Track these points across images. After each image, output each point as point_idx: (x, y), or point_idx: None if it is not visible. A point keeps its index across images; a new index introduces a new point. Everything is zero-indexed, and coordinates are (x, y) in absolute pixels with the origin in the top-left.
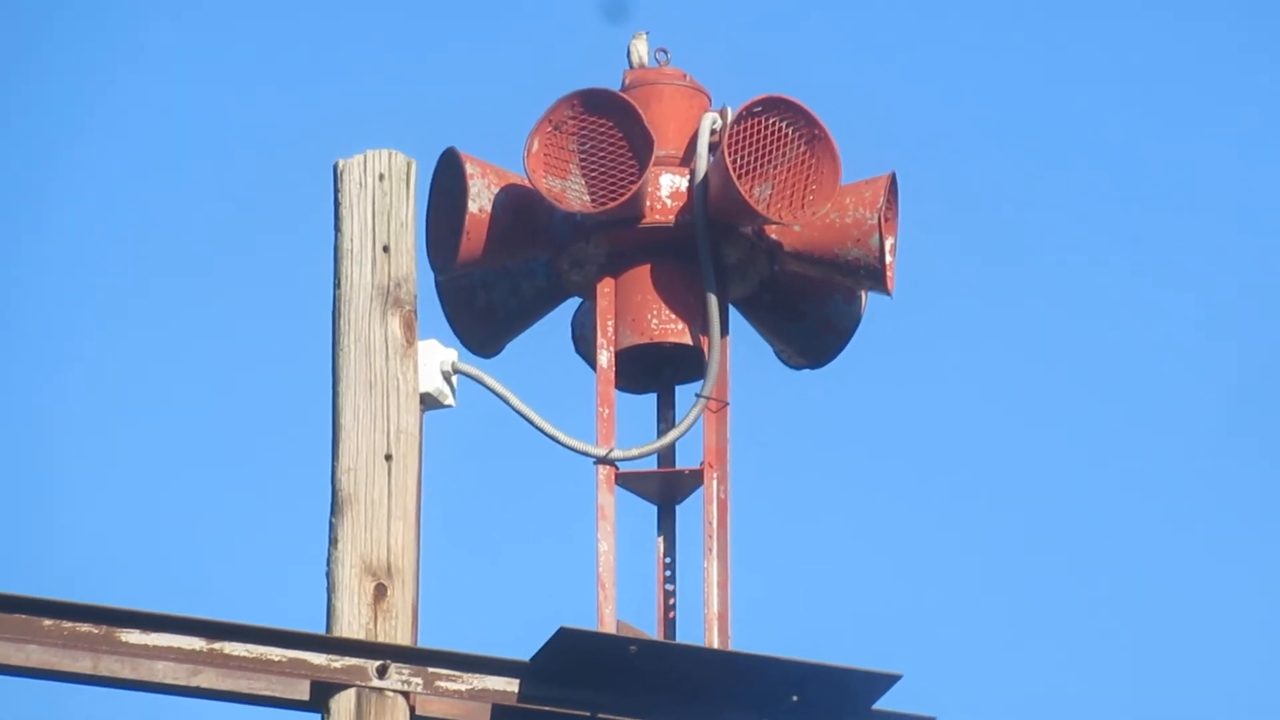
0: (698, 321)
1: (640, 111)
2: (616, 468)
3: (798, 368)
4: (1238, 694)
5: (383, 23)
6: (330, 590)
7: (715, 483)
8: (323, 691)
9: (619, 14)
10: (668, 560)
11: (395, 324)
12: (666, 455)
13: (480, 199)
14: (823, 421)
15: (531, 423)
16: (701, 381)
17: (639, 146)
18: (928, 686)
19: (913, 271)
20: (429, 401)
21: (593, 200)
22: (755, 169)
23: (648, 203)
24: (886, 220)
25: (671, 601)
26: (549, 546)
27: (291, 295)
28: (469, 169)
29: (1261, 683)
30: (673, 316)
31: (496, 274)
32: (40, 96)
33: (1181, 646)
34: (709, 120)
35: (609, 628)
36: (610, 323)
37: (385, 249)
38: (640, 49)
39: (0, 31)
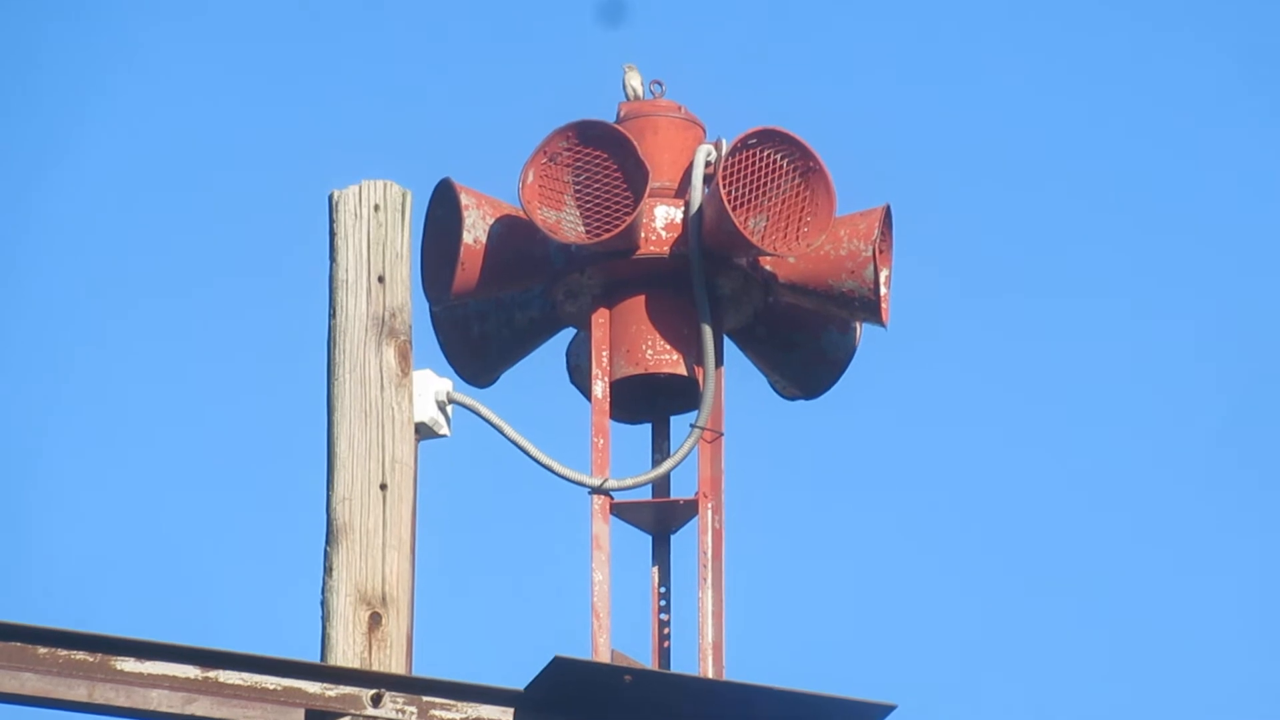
0: (692, 352)
1: (635, 143)
2: (611, 498)
3: (792, 398)
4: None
5: (378, 54)
6: (325, 619)
7: (710, 513)
8: None
9: (616, 17)
10: (662, 590)
11: (390, 354)
12: (661, 485)
13: (475, 230)
14: (817, 452)
15: (526, 453)
16: (696, 412)
17: (634, 178)
18: (922, 716)
19: (907, 303)
20: (424, 431)
21: (587, 231)
22: (750, 201)
23: (642, 234)
24: (881, 252)
25: (666, 631)
26: (543, 576)
27: (286, 325)
28: (464, 200)
29: (1256, 704)
30: (667, 347)
31: (491, 304)
32: (34, 122)
33: (1179, 675)
34: (704, 152)
35: (604, 657)
36: (605, 353)
37: (380, 279)
38: (634, 81)
39: None
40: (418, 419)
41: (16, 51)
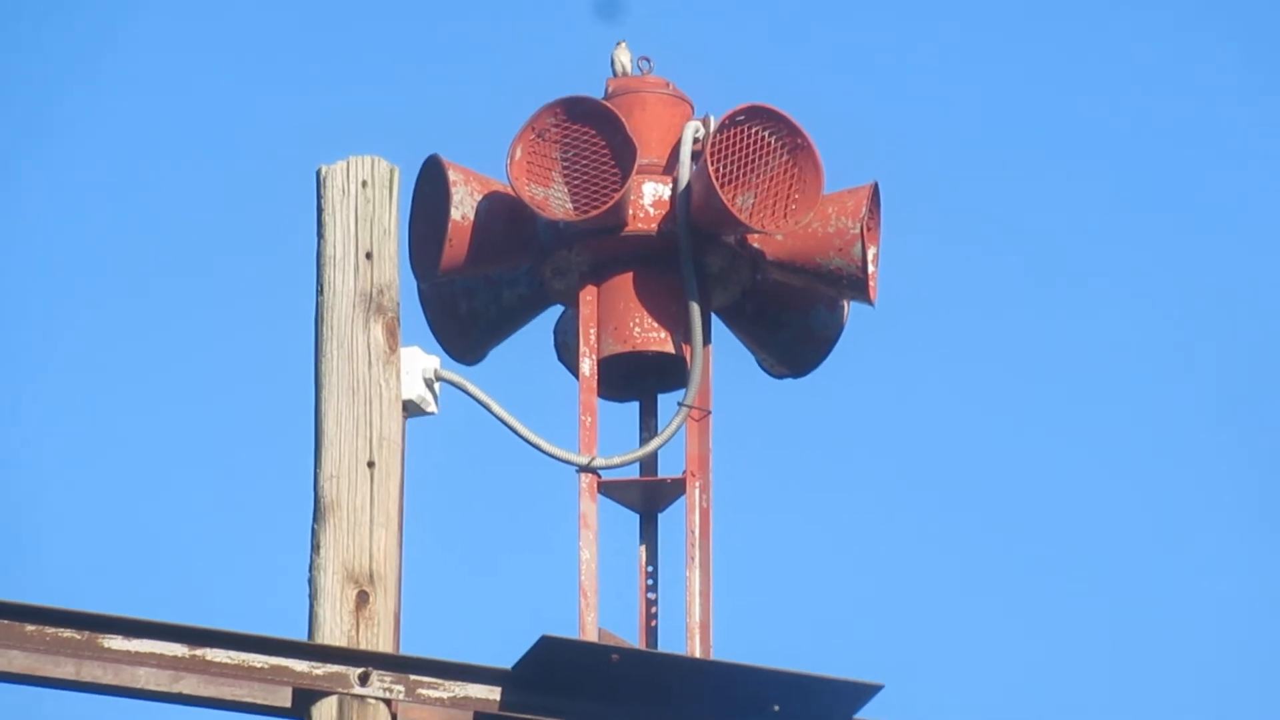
0: (680, 330)
1: (623, 120)
2: (599, 476)
3: (780, 376)
4: (1220, 698)
5: (367, 30)
6: (312, 597)
7: (697, 491)
8: (304, 698)
9: (612, 12)
10: (649, 569)
11: (378, 331)
12: (649, 464)
13: (463, 206)
14: (805, 430)
15: (514, 430)
16: (683, 390)
17: (622, 155)
18: (909, 697)
19: (895, 280)
20: (411, 409)
21: (575, 208)
22: (738, 178)
23: (630, 211)
24: (869, 229)
25: (653, 610)
26: (531, 554)
27: (274, 302)
28: (452, 176)
29: (1245, 687)
30: (655, 325)
31: (479, 281)
32: (22, 99)
33: (1163, 652)
34: (692, 129)
35: (591, 636)
36: (592, 331)
37: (368, 256)
38: (623, 58)
39: None
40: (405, 396)
41: (4, 33)
